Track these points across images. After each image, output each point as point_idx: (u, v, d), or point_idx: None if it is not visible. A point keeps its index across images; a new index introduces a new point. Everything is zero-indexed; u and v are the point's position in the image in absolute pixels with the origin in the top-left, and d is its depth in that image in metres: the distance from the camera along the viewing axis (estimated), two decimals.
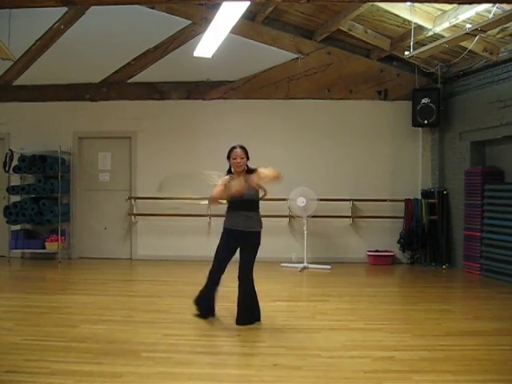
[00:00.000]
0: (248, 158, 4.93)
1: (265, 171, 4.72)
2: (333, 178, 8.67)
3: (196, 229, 8.75)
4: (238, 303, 4.93)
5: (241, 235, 4.86)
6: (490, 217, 7.37)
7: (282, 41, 8.37)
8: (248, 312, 4.90)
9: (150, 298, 5.95)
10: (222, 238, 5.00)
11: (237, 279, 4.91)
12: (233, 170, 4.96)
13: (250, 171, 4.87)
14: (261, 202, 5.02)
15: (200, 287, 5.00)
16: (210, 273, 4.99)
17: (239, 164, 4.85)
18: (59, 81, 8.83)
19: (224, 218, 5.01)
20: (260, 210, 4.99)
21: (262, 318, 4.95)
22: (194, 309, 5.03)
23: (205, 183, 4.91)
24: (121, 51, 8.37)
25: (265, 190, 4.92)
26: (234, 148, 4.92)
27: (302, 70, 8.63)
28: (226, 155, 4.96)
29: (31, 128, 8.82)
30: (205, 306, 5.02)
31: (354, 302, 5.83)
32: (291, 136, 8.75)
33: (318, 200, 8.06)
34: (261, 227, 4.95)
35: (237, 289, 4.91)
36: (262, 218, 5.02)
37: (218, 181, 4.85)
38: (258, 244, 4.94)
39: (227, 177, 4.89)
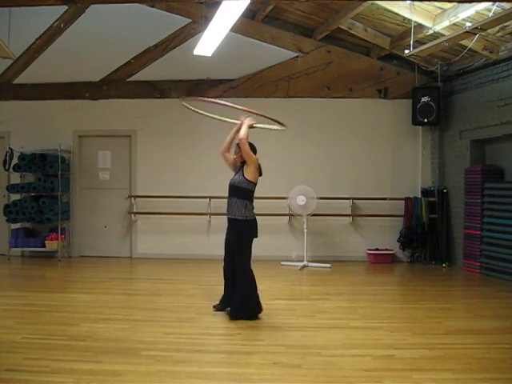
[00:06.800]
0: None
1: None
2: (333, 176, 8.67)
3: (196, 227, 8.75)
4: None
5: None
6: (489, 215, 7.37)
7: (282, 39, 8.36)
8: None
9: (149, 297, 5.95)
10: (250, 232, 4.99)
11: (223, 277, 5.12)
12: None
13: None
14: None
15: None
16: (251, 271, 5.01)
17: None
18: (59, 79, 8.83)
19: (246, 212, 4.96)
20: (251, 205, 5.06)
21: (261, 316, 4.96)
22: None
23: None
24: (121, 50, 8.36)
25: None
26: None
27: (301, 69, 8.62)
28: None
29: (31, 126, 8.82)
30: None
31: (353, 300, 5.83)
32: (291, 135, 8.68)
33: (317, 198, 8.07)
34: None
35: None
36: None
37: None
38: None
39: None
